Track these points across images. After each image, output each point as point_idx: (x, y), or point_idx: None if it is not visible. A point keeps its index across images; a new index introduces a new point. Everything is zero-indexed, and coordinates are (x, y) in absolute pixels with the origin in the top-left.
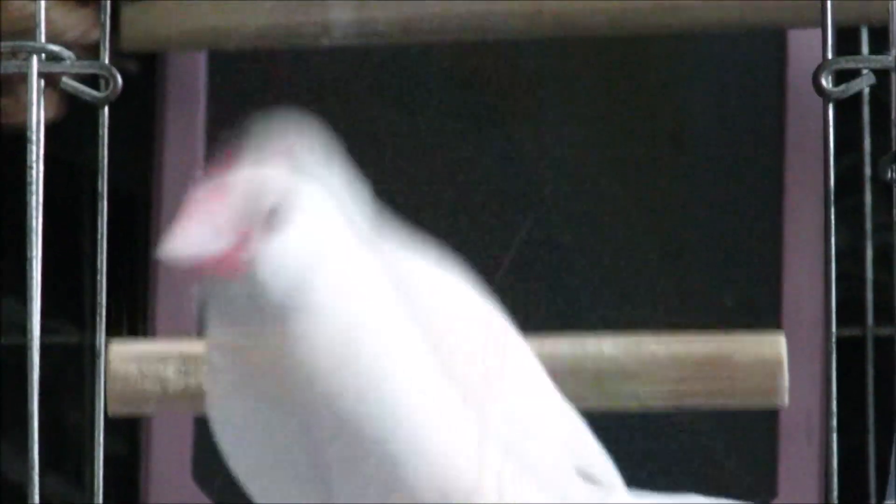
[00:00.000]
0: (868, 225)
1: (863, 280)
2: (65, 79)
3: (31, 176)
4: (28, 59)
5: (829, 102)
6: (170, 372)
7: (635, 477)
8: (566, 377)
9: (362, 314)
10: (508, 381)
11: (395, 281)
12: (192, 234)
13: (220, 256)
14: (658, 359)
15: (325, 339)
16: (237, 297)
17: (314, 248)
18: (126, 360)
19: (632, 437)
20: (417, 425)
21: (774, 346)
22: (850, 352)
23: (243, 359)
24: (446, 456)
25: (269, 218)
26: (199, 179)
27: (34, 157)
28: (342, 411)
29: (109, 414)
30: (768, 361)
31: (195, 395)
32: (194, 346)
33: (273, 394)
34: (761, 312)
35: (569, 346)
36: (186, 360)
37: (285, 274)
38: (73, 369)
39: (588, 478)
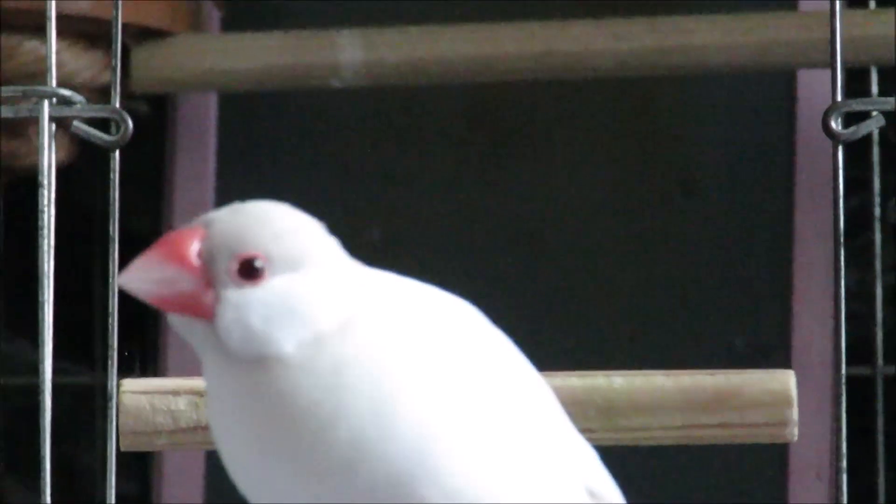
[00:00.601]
0: (877, 265)
1: (872, 320)
2: (76, 123)
3: (43, 219)
4: (39, 103)
5: (838, 144)
6: (181, 405)
7: None
8: (576, 411)
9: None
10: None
11: (415, 326)
12: (151, 268)
13: (178, 297)
14: (668, 393)
15: (302, 390)
16: (202, 339)
17: (290, 306)
18: (137, 394)
19: (641, 472)
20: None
21: (784, 380)
22: (859, 391)
23: (222, 397)
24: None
25: (240, 269)
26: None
27: (45, 201)
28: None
29: (121, 449)
30: (778, 396)
31: (207, 429)
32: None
33: (256, 435)
34: (771, 353)
35: (579, 380)
36: (199, 394)
37: (248, 327)
38: (84, 410)
39: (592, 496)
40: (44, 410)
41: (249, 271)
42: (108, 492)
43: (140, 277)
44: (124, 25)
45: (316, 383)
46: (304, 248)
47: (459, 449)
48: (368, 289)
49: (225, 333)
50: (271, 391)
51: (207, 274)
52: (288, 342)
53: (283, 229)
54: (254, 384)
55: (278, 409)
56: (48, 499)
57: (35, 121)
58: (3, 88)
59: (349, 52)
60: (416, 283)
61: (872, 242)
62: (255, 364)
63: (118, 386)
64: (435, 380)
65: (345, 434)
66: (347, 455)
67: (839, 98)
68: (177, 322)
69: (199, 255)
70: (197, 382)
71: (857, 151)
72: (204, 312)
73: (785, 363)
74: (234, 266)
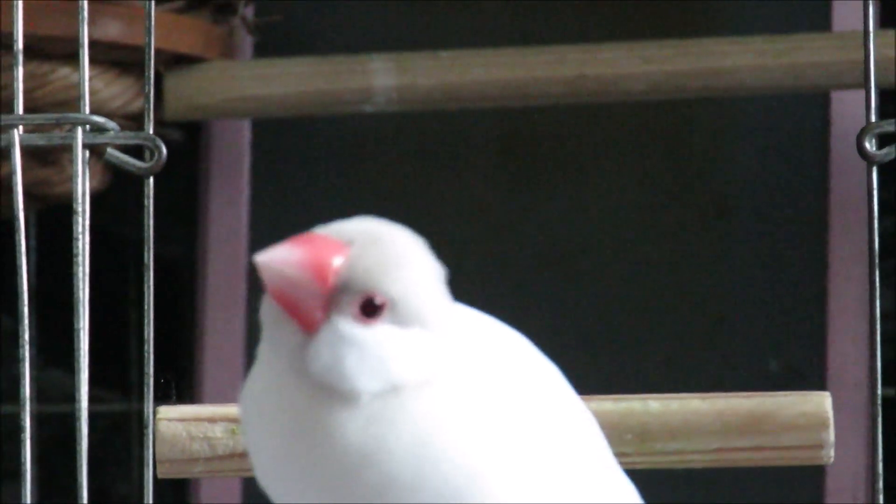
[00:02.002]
0: None
1: None
2: (109, 150)
3: (77, 248)
4: (73, 131)
5: (872, 165)
6: (218, 432)
7: None
8: (611, 435)
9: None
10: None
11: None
12: (289, 265)
13: (297, 302)
14: (703, 416)
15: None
16: (286, 345)
17: (387, 357)
18: (174, 421)
19: (677, 496)
20: None
21: (820, 402)
22: (895, 412)
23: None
24: None
25: (366, 306)
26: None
27: (80, 228)
28: None
29: (158, 476)
30: (814, 418)
31: (244, 456)
32: None
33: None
34: (806, 375)
35: (614, 404)
36: (235, 421)
37: (340, 360)
38: (120, 438)
39: None
40: (80, 438)
41: (370, 311)
42: None
43: (275, 268)
44: (157, 52)
45: (367, 426)
46: (423, 309)
47: (511, 491)
48: (451, 348)
49: (315, 355)
50: (323, 416)
51: (331, 294)
52: (367, 388)
53: (416, 282)
54: (308, 403)
55: (323, 436)
56: None
57: (68, 148)
58: (36, 116)
59: (382, 77)
60: (493, 328)
61: None
62: (320, 389)
63: (154, 413)
64: (487, 446)
65: (376, 478)
66: (375, 498)
67: (873, 119)
68: (271, 316)
69: (335, 276)
70: (233, 409)
71: (892, 172)
72: (310, 326)
73: (820, 385)
74: (359, 301)
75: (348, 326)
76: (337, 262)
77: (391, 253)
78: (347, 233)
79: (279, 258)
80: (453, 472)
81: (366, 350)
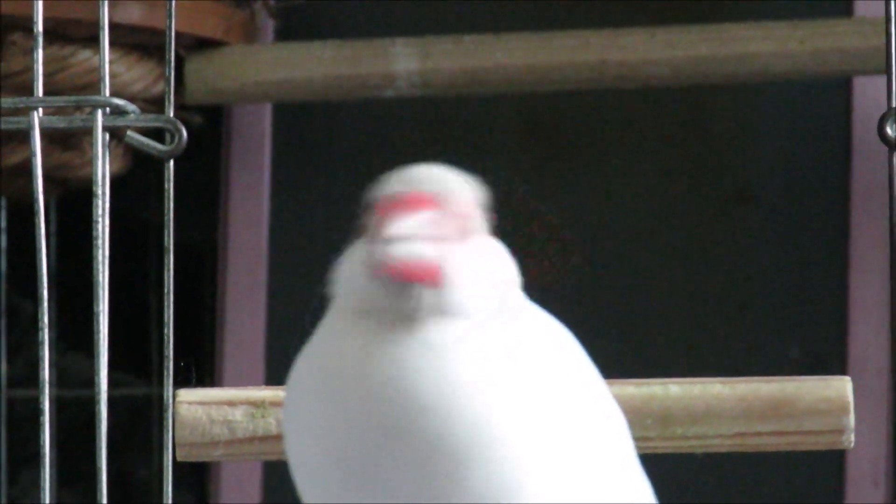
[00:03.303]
0: None
1: None
2: (130, 133)
3: (97, 230)
4: (93, 114)
5: (894, 150)
6: (238, 415)
7: None
8: (633, 419)
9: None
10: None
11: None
12: (407, 233)
13: (420, 264)
14: (724, 401)
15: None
16: (423, 305)
17: (500, 264)
18: (194, 405)
19: (697, 480)
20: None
21: (841, 387)
22: None
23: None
24: None
25: (462, 228)
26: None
27: (99, 212)
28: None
29: (178, 460)
30: (834, 403)
31: (264, 439)
32: (262, 392)
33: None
34: (828, 362)
35: (636, 388)
36: (255, 405)
37: (473, 282)
38: (140, 422)
39: None
40: (100, 422)
41: (466, 228)
42: (165, 500)
43: (398, 242)
44: (178, 35)
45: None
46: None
47: (547, 483)
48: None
49: (452, 291)
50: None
51: (439, 236)
52: (493, 292)
53: (470, 189)
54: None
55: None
56: None
57: (89, 132)
58: (57, 98)
59: (404, 62)
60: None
61: None
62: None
63: (174, 397)
64: (534, 410)
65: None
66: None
67: (894, 104)
68: (394, 290)
69: (433, 219)
70: (253, 393)
71: None
72: (434, 277)
73: (841, 371)
74: (458, 223)
75: (458, 251)
76: (429, 210)
77: (449, 178)
78: (409, 179)
79: (397, 233)
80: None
81: (478, 261)
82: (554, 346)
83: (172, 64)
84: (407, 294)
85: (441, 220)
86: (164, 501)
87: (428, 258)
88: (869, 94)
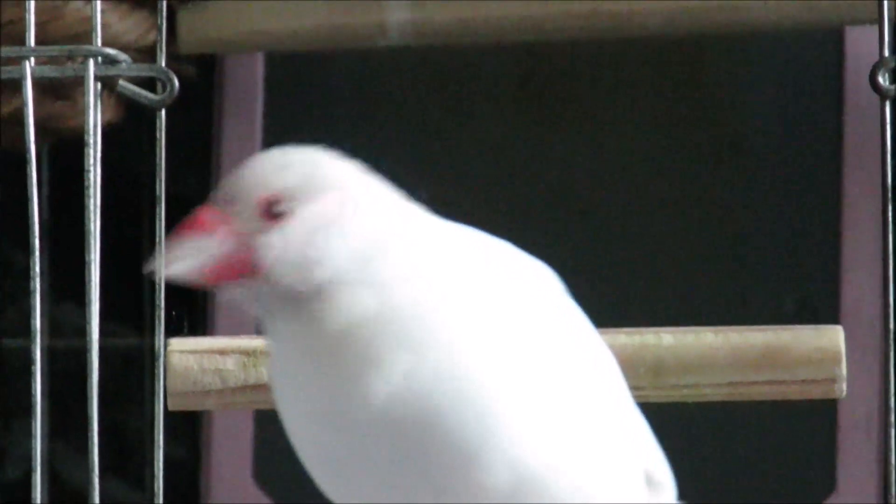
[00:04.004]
0: None
1: None
2: (122, 82)
3: (89, 179)
4: (85, 63)
5: (885, 100)
6: (230, 364)
7: (692, 468)
8: (625, 368)
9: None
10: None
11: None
12: (188, 247)
13: (224, 262)
14: (717, 350)
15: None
16: (260, 298)
17: (324, 230)
18: (185, 354)
19: (690, 429)
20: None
21: (833, 337)
22: None
23: (297, 349)
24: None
25: (266, 213)
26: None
27: (91, 161)
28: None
29: (170, 409)
30: (827, 352)
31: (256, 388)
32: (254, 342)
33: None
34: (820, 312)
35: (628, 337)
36: (246, 354)
37: (293, 261)
38: (132, 372)
39: (649, 480)
40: (91, 372)
41: (273, 212)
42: (156, 452)
43: (182, 261)
44: None
45: (384, 331)
46: (325, 176)
47: (527, 422)
48: (436, 234)
49: (274, 276)
50: (333, 335)
51: (238, 231)
52: (334, 260)
53: (293, 161)
54: (318, 330)
55: (339, 348)
56: (96, 461)
57: (81, 82)
58: (48, 48)
59: (396, 12)
60: (496, 241)
61: None
62: (321, 317)
63: (166, 346)
64: (504, 348)
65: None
66: (397, 406)
67: (886, 54)
68: (233, 295)
69: (223, 213)
70: (245, 342)
71: None
72: (247, 268)
73: (834, 321)
74: (258, 212)
75: (269, 236)
76: (212, 212)
77: (257, 161)
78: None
79: (174, 255)
80: (479, 387)
81: (300, 235)
82: (519, 280)
83: (164, 13)
84: (241, 292)
85: (232, 227)
86: (156, 450)
87: (229, 256)
88: (861, 44)
